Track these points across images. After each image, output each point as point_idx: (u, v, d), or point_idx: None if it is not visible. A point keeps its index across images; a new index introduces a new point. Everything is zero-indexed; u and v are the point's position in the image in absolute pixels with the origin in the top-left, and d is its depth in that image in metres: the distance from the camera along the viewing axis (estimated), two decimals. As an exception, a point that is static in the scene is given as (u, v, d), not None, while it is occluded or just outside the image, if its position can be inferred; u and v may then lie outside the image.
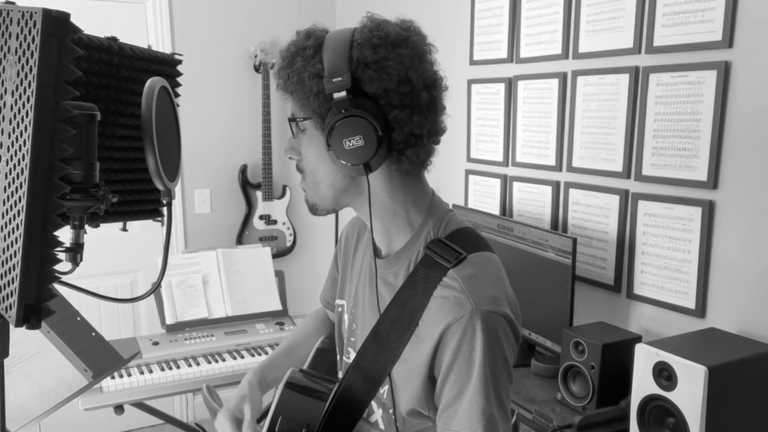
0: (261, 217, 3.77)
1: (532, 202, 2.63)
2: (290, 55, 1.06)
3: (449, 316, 1.01)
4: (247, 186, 3.74)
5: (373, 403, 1.15)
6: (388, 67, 1.00)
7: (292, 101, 1.09)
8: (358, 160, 1.03)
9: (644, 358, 1.74)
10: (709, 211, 1.97)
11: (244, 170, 3.75)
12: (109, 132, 0.88)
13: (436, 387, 1.04)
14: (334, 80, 1.00)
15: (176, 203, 3.63)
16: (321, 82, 1.01)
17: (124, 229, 0.99)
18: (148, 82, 0.84)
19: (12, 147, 0.68)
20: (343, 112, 1.01)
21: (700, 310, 2.02)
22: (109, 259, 3.47)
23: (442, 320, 1.01)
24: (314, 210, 1.15)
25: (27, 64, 0.67)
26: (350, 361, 1.22)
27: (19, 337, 1.51)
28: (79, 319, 1.63)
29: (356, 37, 1.03)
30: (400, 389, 1.08)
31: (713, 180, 1.95)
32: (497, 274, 1.09)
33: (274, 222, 3.80)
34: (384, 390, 1.11)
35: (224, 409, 1.28)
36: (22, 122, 0.67)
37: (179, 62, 1.04)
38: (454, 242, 1.09)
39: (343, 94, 1.00)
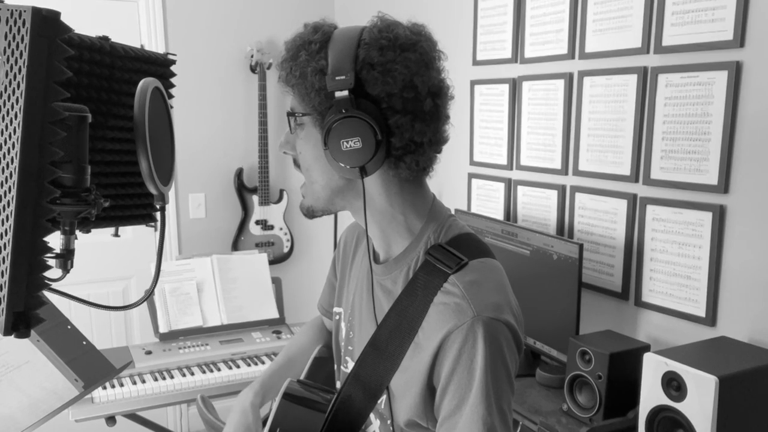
0: (257, 223, 3.77)
1: (537, 206, 2.63)
2: (295, 48, 1.06)
3: (449, 323, 1.00)
4: (242, 190, 3.74)
5: (371, 414, 1.15)
6: (393, 70, 1.00)
7: (292, 95, 1.09)
8: (354, 163, 1.03)
9: (653, 368, 1.74)
10: (719, 216, 1.97)
11: (239, 174, 3.75)
12: (100, 134, 0.88)
13: (435, 397, 1.04)
14: (337, 78, 1.00)
15: (170, 208, 3.63)
16: (324, 79, 1.02)
17: (116, 235, 0.99)
18: (140, 83, 0.84)
19: (0, 150, 0.68)
20: (343, 111, 1.01)
21: (711, 318, 2.02)
22: (100, 266, 3.46)
23: (442, 327, 1.01)
24: (310, 213, 1.15)
25: (16, 65, 0.67)
26: (348, 370, 1.21)
27: (7, 346, 1.51)
28: (69, 327, 1.62)
29: (364, 37, 1.03)
30: (399, 399, 1.08)
31: (724, 184, 1.95)
32: (500, 280, 1.08)
33: (271, 227, 3.80)
34: (382, 400, 1.11)
35: None
36: (11, 124, 0.67)
37: (173, 62, 1.04)
38: (456, 248, 1.09)
39: (345, 93, 1.00)
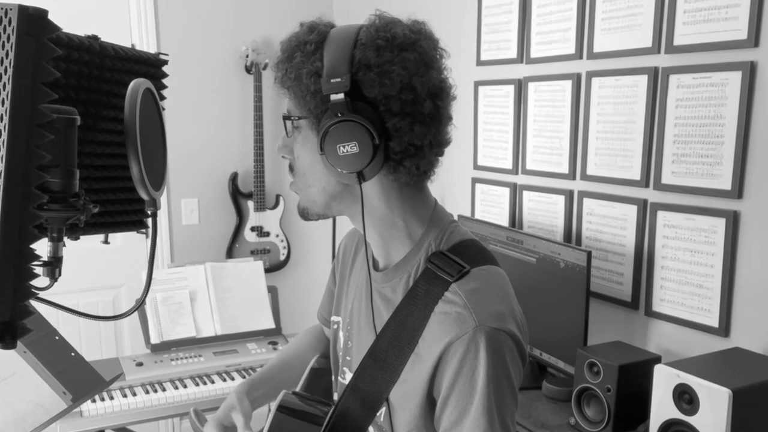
0: (252, 229, 3.77)
1: (544, 212, 2.63)
2: (290, 49, 1.07)
3: (451, 333, 1.00)
4: (237, 195, 3.74)
5: (370, 427, 1.15)
6: (391, 71, 1.00)
7: (288, 98, 1.09)
8: (351, 168, 1.03)
9: (664, 380, 1.73)
10: (733, 223, 1.97)
11: (234, 178, 3.75)
12: (89, 137, 0.88)
13: (435, 410, 1.04)
14: (332, 81, 1.01)
15: (162, 214, 3.63)
16: (319, 81, 1.02)
17: (106, 242, 0.99)
18: (131, 84, 0.84)
19: (-15, 153, 0.68)
20: (339, 115, 1.01)
21: (724, 329, 2.01)
22: (89, 274, 3.46)
23: (443, 337, 1.01)
24: (305, 215, 1.16)
25: (1, 65, 0.67)
26: (345, 381, 1.21)
27: (-8, 357, 1.51)
28: (57, 338, 1.62)
29: (361, 36, 1.03)
30: (398, 412, 1.08)
31: (738, 189, 1.95)
32: (503, 289, 1.08)
33: (267, 234, 3.80)
34: (381, 413, 1.11)
35: (211, 419, 1.28)
36: (-3, 127, 0.67)
37: (165, 62, 1.04)
38: (457, 255, 1.09)
39: (341, 96, 1.00)
